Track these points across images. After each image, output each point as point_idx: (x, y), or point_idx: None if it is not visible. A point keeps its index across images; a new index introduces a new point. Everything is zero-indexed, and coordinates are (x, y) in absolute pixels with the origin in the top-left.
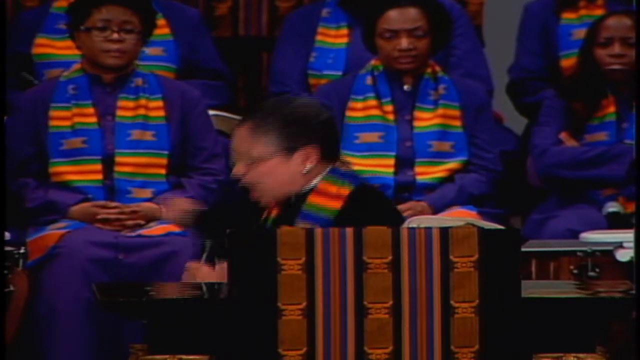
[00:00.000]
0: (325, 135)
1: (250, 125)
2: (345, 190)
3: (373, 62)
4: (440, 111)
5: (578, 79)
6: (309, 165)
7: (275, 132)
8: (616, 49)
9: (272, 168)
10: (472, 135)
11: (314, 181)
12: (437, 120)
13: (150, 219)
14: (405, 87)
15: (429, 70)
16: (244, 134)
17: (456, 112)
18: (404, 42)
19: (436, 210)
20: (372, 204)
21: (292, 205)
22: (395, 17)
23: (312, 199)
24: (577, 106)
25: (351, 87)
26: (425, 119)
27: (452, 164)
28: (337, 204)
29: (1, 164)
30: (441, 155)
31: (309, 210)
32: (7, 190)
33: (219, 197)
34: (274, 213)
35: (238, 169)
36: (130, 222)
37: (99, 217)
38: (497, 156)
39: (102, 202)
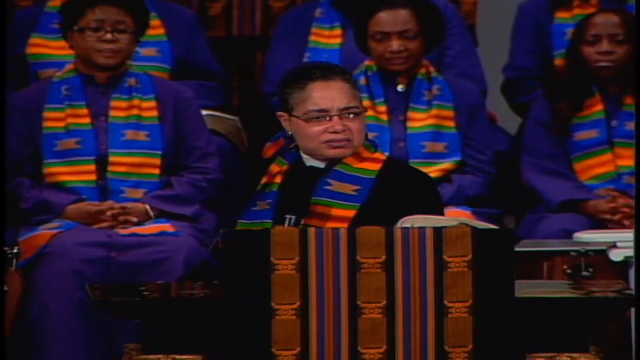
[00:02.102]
0: (287, 105)
1: (348, 81)
2: (381, 155)
3: (367, 62)
4: (434, 112)
5: (566, 77)
6: (288, 129)
7: (356, 85)
8: (604, 46)
9: (363, 123)
10: (467, 136)
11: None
12: (431, 121)
13: (139, 217)
14: (399, 88)
15: (423, 70)
16: (346, 88)
17: (450, 113)
18: (395, 44)
19: None
20: (409, 169)
21: (304, 171)
22: (386, 19)
23: (349, 161)
24: (561, 105)
25: None
26: (419, 120)
27: (446, 165)
28: (375, 166)
29: (1, 164)
30: (435, 156)
31: (345, 170)
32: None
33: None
34: (279, 179)
35: (337, 124)
36: (122, 218)
37: (93, 210)
38: (491, 158)
39: (97, 203)
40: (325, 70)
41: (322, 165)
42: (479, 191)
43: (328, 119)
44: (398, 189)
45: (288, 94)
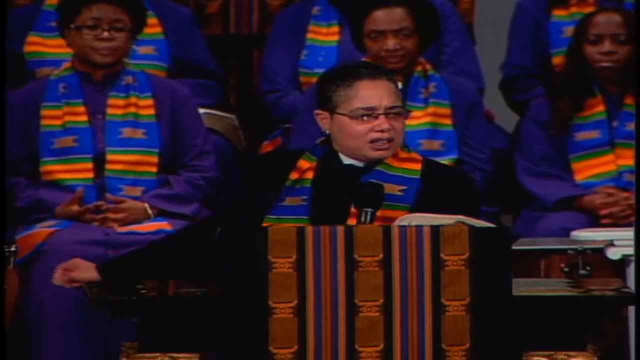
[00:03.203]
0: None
1: (392, 81)
2: (417, 155)
3: (363, 59)
4: (430, 109)
5: (566, 76)
6: (326, 128)
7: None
8: (606, 46)
9: (404, 123)
10: (464, 134)
11: None
12: (427, 119)
13: (135, 215)
14: None
15: (419, 68)
16: (391, 88)
17: (447, 111)
18: (391, 43)
19: None
20: (449, 169)
21: (337, 168)
22: (381, 18)
23: (390, 161)
24: (562, 104)
25: None
26: (416, 118)
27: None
28: (416, 166)
29: (1, 164)
30: (431, 154)
31: (386, 170)
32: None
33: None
34: (310, 175)
35: (383, 122)
36: (113, 216)
37: (75, 210)
38: (488, 156)
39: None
40: (371, 69)
41: (360, 164)
42: None
43: (374, 117)
44: (443, 189)
45: (332, 91)
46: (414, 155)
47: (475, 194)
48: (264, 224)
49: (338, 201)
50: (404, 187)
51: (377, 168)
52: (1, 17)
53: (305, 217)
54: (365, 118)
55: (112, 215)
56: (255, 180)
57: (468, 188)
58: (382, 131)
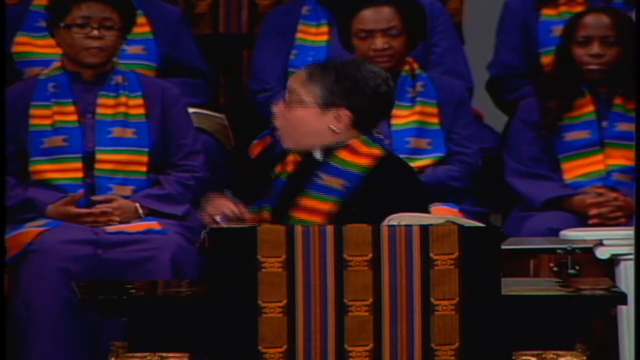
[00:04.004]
0: (367, 106)
1: (309, 71)
2: (377, 151)
3: None
4: (417, 108)
5: (555, 77)
6: (338, 126)
7: (323, 85)
8: (595, 48)
9: (306, 116)
10: (450, 131)
11: (336, 140)
12: (414, 118)
13: (126, 214)
14: None
15: (407, 67)
16: (301, 76)
17: (434, 109)
18: (379, 42)
19: None
20: (402, 168)
21: (311, 161)
22: (369, 17)
23: (342, 154)
24: (551, 104)
25: None
26: (403, 117)
27: (425, 161)
28: (367, 162)
29: (1, 164)
30: (418, 152)
31: (337, 164)
32: None
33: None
34: (290, 168)
35: (278, 106)
36: (103, 219)
37: (72, 213)
38: (476, 151)
39: (72, 195)
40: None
41: (320, 157)
42: (451, 178)
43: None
44: (381, 186)
45: None
46: (375, 151)
47: (414, 188)
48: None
49: (294, 192)
50: (345, 182)
51: (330, 161)
52: (0, 17)
53: (269, 207)
54: None
55: (102, 219)
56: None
57: (406, 183)
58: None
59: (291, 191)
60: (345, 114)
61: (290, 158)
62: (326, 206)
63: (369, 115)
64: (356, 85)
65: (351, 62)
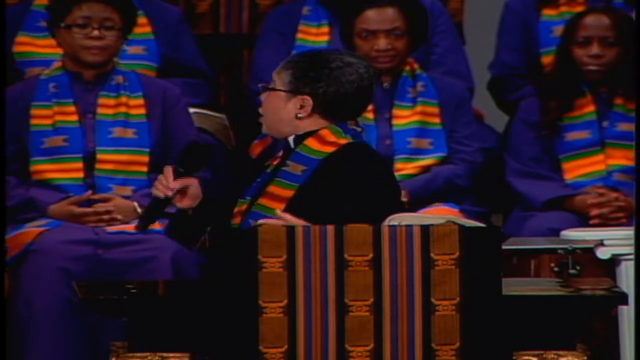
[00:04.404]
0: (335, 95)
1: (287, 59)
2: (344, 140)
3: None
4: (418, 108)
5: (556, 77)
6: (301, 114)
7: (294, 72)
8: (594, 49)
9: (275, 102)
10: (451, 130)
11: (308, 128)
12: (415, 118)
13: (124, 213)
14: (384, 85)
15: (407, 68)
16: (280, 65)
17: (435, 109)
18: (382, 43)
19: (411, 195)
20: (363, 156)
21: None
22: (373, 17)
23: (309, 142)
24: (552, 104)
25: None
26: (404, 117)
27: (427, 160)
28: (329, 149)
29: (1, 164)
30: (419, 152)
31: (302, 151)
32: None
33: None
34: (276, 162)
35: (262, 96)
36: (106, 217)
37: (75, 212)
38: (476, 149)
39: (79, 197)
40: None
41: (292, 145)
42: (460, 178)
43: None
44: (334, 171)
45: None
46: (341, 140)
47: (372, 173)
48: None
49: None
50: (305, 168)
51: (297, 149)
52: (0, 17)
53: (248, 198)
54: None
55: (105, 217)
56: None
57: (378, 172)
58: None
59: (268, 180)
60: (308, 101)
61: (281, 153)
62: (287, 192)
63: (338, 105)
64: (325, 74)
65: (331, 51)
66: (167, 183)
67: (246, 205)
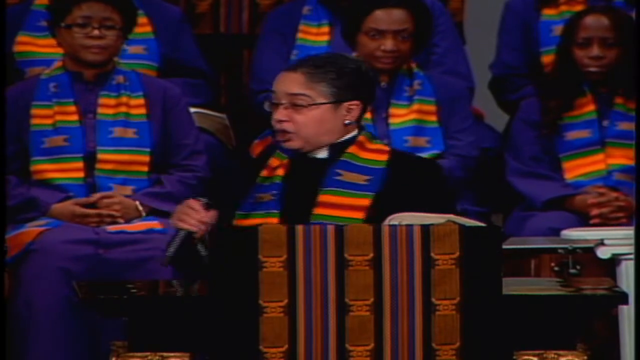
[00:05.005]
0: (368, 94)
1: (306, 72)
2: (384, 146)
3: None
4: (415, 107)
5: (556, 77)
6: (350, 119)
7: (329, 81)
8: (595, 50)
9: (320, 115)
10: (447, 127)
11: (351, 134)
12: (412, 116)
13: (126, 211)
14: (382, 85)
15: (404, 66)
16: (299, 79)
17: (432, 107)
18: (389, 43)
19: None
20: (416, 159)
21: (308, 161)
22: (383, 17)
23: (353, 151)
24: (552, 104)
25: None
26: (401, 115)
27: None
28: (382, 157)
29: (1, 164)
30: (417, 150)
31: (352, 160)
32: None
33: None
34: (281, 172)
35: (280, 114)
36: (108, 220)
37: (77, 212)
38: (469, 143)
39: (83, 200)
40: (299, 60)
41: (325, 155)
42: (448, 169)
43: (276, 105)
44: (409, 177)
45: None
46: (381, 146)
47: (442, 182)
48: (235, 221)
49: (305, 194)
50: (369, 177)
51: (343, 158)
52: (1, 17)
53: (275, 211)
54: (269, 103)
55: (105, 211)
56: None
57: (434, 175)
58: (276, 122)
59: (301, 191)
60: (356, 105)
61: (275, 162)
62: (361, 201)
63: (370, 101)
64: (357, 74)
65: (334, 55)
66: (199, 217)
67: (276, 219)
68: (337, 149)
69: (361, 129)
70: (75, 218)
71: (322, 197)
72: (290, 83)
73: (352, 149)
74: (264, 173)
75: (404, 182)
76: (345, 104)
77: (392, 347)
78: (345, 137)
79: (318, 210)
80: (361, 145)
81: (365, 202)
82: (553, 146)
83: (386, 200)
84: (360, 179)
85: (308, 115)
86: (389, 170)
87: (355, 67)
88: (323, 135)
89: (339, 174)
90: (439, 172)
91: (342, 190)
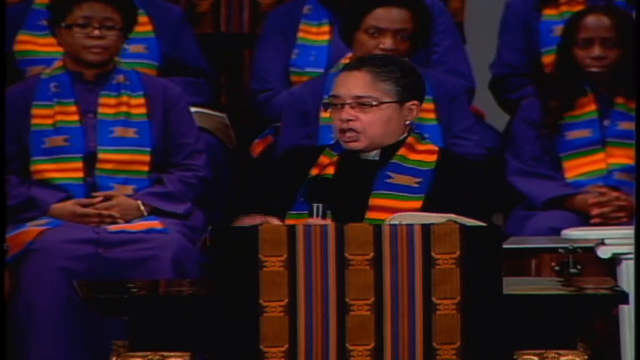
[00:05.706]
0: (424, 94)
1: (371, 72)
2: (433, 147)
3: (343, 60)
4: None
5: (556, 77)
6: (410, 119)
7: (395, 80)
8: (596, 51)
9: (387, 114)
10: (448, 125)
11: (405, 134)
12: None
13: (127, 211)
14: None
15: None
16: (365, 78)
17: (429, 105)
18: (388, 42)
19: None
20: (463, 160)
21: (358, 161)
22: (384, 16)
23: (403, 153)
24: (553, 104)
25: (324, 86)
26: None
27: None
28: (431, 158)
29: (1, 164)
30: None
31: (403, 162)
32: None
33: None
34: (331, 170)
35: (347, 113)
36: (108, 220)
37: (78, 212)
38: (476, 143)
39: (84, 200)
40: (358, 60)
41: (375, 156)
42: None
43: (340, 106)
44: (455, 179)
45: None
46: (431, 146)
47: (481, 185)
48: (287, 220)
49: (356, 194)
50: (420, 179)
51: (393, 160)
52: (1, 17)
53: (330, 212)
54: (330, 108)
55: (105, 212)
56: (275, 177)
57: (478, 177)
58: (342, 121)
59: (352, 194)
60: (416, 104)
61: (325, 160)
62: (407, 204)
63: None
64: (415, 74)
65: (386, 55)
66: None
67: (330, 219)
68: (389, 150)
69: (410, 130)
70: (76, 218)
71: (374, 201)
72: (355, 83)
73: (402, 151)
74: (314, 171)
75: (451, 183)
76: (407, 104)
77: (392, 346)
78: (401, 137)
79: (371, 215)
80: (410, 147)
81: (417, 204)
82: (553, 146)
83: (435, 201)
84: (411, 181)
85: (376, 114)
86: (438, 171)
87: (413, 67)
88: (387, 135)
89: (390, 177)
90: (481, 175)
91: (393, 193)
